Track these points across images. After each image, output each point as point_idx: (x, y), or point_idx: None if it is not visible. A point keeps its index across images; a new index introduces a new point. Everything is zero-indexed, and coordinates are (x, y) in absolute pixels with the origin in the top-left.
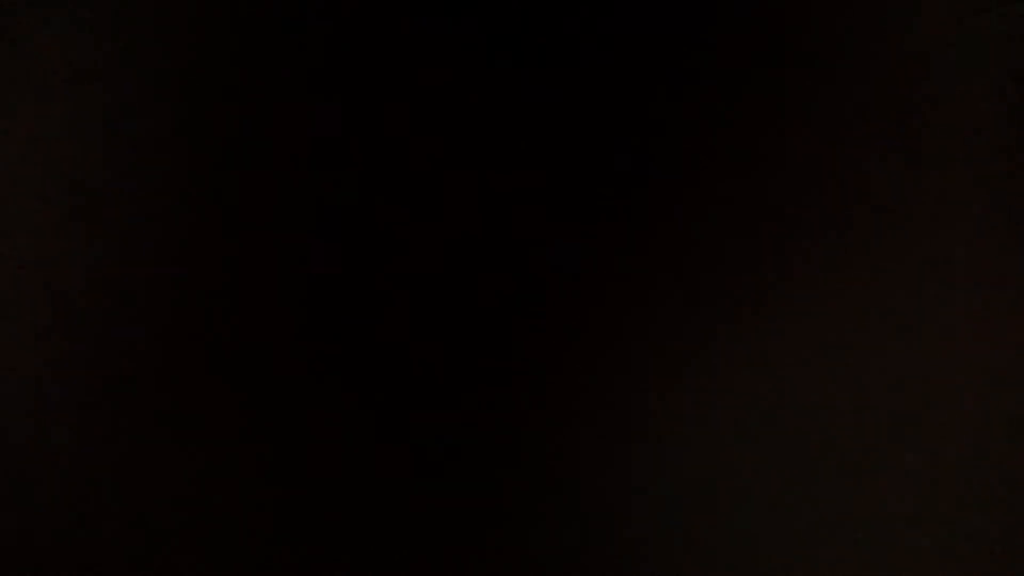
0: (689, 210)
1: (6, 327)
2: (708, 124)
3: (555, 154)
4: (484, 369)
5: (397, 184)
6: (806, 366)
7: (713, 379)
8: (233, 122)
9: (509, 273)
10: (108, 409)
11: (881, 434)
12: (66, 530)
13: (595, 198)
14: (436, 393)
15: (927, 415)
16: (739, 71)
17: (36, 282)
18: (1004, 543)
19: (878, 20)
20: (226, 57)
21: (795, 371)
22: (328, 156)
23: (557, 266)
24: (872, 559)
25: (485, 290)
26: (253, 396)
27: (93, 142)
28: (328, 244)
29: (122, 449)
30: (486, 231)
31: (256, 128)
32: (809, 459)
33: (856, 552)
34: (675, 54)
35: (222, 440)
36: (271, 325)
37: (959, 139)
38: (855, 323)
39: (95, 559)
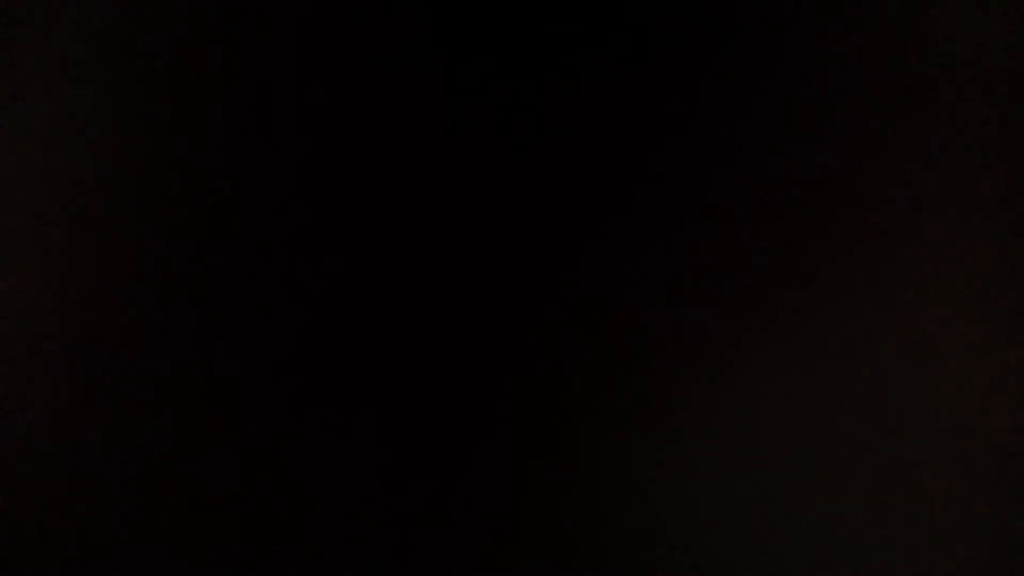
0: (697, 214)
1: (6, 327)
2: (715, 125)
3: (565, 157)
4: (494, 371)
5: (407, 184)
6: (815, 368)
7: (722, 382)
8: (232, 123)
9: (521, 276)
10: (107, 410)
11: (886, 435)
12: (63, 529)
13: (608, 201)
14: (447, 395)
15: (930, 416)
16: (749, 77)
17: (35, 283)
18: (1004, 543)
19: (884, 22)
20: (224, 57)
21: (804, 373)
22: (336, 156)
23: (571, 268)
24: (875, 559)
25: (496, 292)
26: (257, 395)
27: (93, 143)
28: (339, 242)
29: (122, 449)
30: (497, 233)
31: (256, 128)
32: (816, 459)
33: (860, 551)
34: (691, 57)
35: (226, 441)
36: (274, 325)
37: (964, 141)
38: (861, 326)
39: (93, 558)
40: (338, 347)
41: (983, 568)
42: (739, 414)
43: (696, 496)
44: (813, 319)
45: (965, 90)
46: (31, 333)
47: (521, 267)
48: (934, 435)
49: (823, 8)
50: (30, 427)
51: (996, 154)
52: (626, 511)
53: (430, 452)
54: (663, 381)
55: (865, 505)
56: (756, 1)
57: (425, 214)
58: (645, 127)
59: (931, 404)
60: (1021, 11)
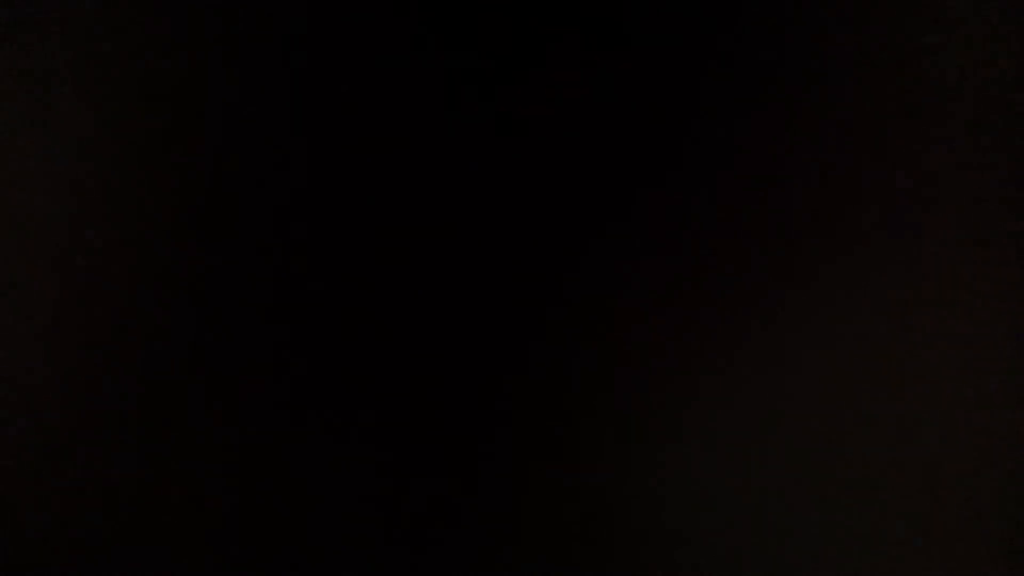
0: (697, 214)
1: (7, 327)
2: (715, 125)
3: (565, 157)
4: (495, 371)
5: (407, 184)
6: (815, 368)
7: (722, 382)
8: (232, 123)
9: (521, 276)
10: (107, 409)
11: (886, 435)
12: (63, 529)
13: (608, 201)
14: (447, 395)
15: (929, 417)
16: (750, 77)
17: (35, 283)
18: (1005, 543)
19: (884, 22)
20: (224, 57)
21: (804, 373)
22: (337, 156)
23: (571, 268)
24: (876, 559)
25: (496, 292)
26: (257, 395)
27: (93, 144)
28: (340, 242)
29: (122, 449)
30: (497, 233)
31: (256, 128)
32: (815, 460)
33: (861, 551)
34: (691, 57)
35: (226, 441)
36: (274, 325)
37: (964, 142)
38: (861, 326)
39: (93, 558)
40: (338, 347)
41: (983, 568)
42: (740, 414)
43: (697, 496)
44: (813, 319)
45: (965, 90)
46: (31, 333)
47: (521, 267)
48: (934, 435)
49: (823, 8)
50: (30, 427)
51: (996, 155)
52: (626, 511)
53: (430, 452)
54: (663, 381)
55: (866, 505)
56: (756, 1)
57: (426, 214)
58: (645, 127)
59: (931, 404)
60: (1021, 11)
